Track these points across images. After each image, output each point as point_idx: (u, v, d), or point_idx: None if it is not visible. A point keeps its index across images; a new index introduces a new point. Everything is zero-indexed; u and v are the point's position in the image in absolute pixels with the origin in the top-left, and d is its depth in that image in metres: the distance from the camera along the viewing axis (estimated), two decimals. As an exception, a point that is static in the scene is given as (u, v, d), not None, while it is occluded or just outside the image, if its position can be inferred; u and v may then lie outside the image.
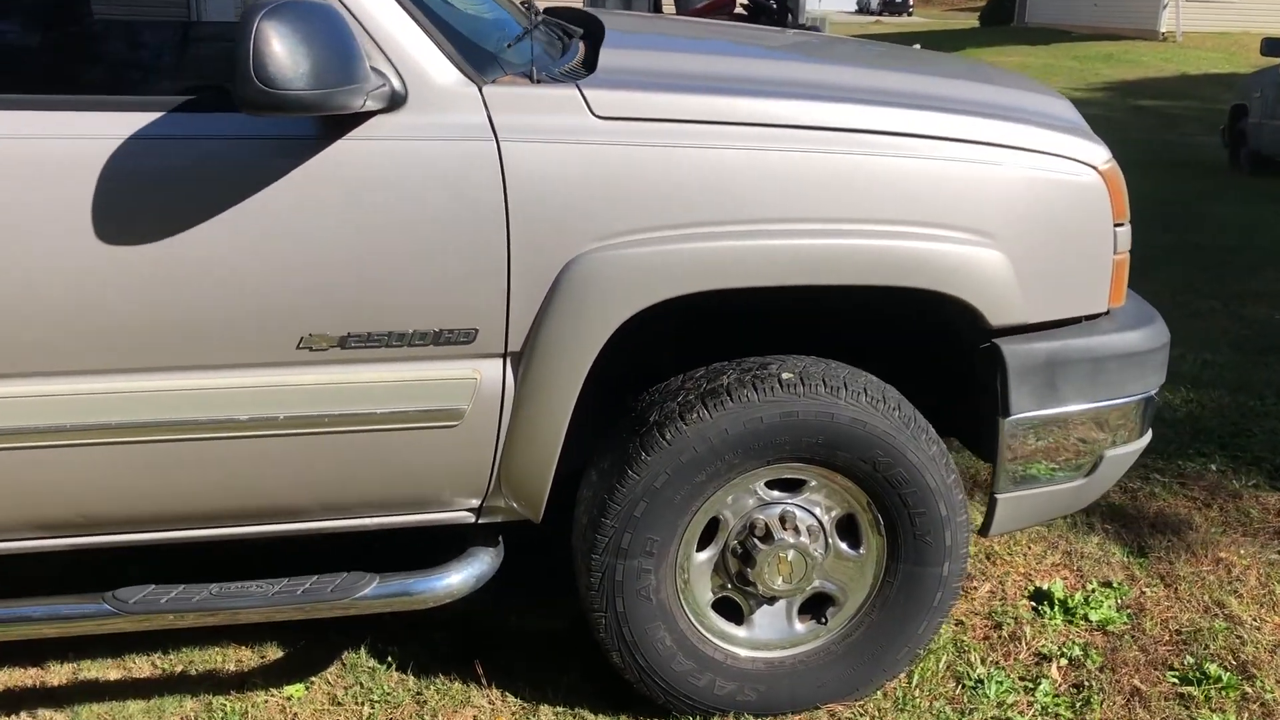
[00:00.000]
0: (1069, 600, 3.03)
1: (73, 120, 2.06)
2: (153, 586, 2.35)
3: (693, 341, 2.57)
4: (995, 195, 2.37)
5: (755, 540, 2.47)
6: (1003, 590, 3.13)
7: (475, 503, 2.41)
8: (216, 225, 2.10)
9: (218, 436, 2.21)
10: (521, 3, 3.16)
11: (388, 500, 2.36)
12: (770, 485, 2.49)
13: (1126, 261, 2.56)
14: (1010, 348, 2.43)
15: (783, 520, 2.48)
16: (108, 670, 2.78)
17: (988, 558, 3.28)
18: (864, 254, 2.31)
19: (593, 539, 2.42)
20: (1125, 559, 3.30)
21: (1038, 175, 2.40)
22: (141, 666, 2.80)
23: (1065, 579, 3.17)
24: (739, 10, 15.78)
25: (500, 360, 2.27)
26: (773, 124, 2.28)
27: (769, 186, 2.27)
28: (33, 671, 2.76)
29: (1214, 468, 3.90)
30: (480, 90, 2.18)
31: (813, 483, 2.49)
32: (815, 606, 2.60)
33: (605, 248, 2.21)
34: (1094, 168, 2.44)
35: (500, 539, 2.53)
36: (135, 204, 2.08)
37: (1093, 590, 3.11)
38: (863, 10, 64.52)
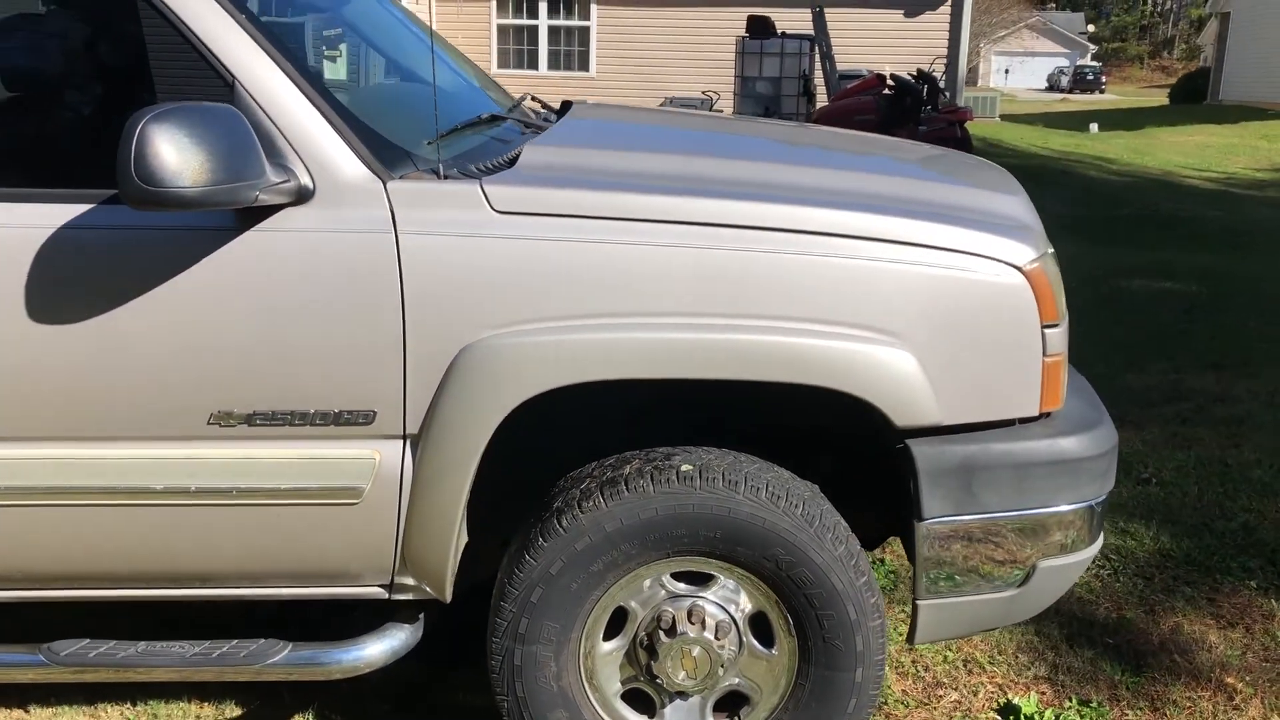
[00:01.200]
0: (1036, 718, 2.87)
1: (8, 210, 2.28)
2: (86, 641, 2.51)
3: (641, 425, 2.60)
4: (901, 293, 2.33)
5: (660, 633, 2.46)
6: (970, 701, 2.99)
7: (384, 580, 2.49)
8: (136, 308, 2.27)
9: (135, 504, 2.36)
10: (516, 104, 3.29)
11: (296, 572, 2.46)
12: (679, 577, 2.48)
13: (1061, 363, 2.46)
14: (921, 449, 2.37)
15: (690, 614, 2.46)
16: (80, 717, 2.96)
17: (965, 664, 3.15)
18: (754, 349, 2.30)
19: (493, 622, 2.46)
20: (1116, 676, 3.10)
21: (949, 274, 2.35)
22: (112, 715, 2.96)
23: (1042, 694, 3.01)
24: (886, 91, 15.74)
25: (399, 441, 2.36)
26: (669, 220, 2.32)
27: (663, 280, 2.30)
28: (15, 714, 2.96)
29: (1253, 584, 3.63)
30: (385, 186, 2.30)
31: (721, 578, 2.46)
32: (731, 705, 2.56)
33: (497, 336, 2.28)
34: (1016, 267, 2.38)
35: (420, 616, 2.60)
36: (62, 287, 2.27)
37: (1067, 709, 2.94)
38: (1053, 88, 63.06)
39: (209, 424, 2.33)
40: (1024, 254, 2.40)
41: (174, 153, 2.03)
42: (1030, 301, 2.38)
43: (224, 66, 2.27)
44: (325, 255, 2.27)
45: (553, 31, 20.25)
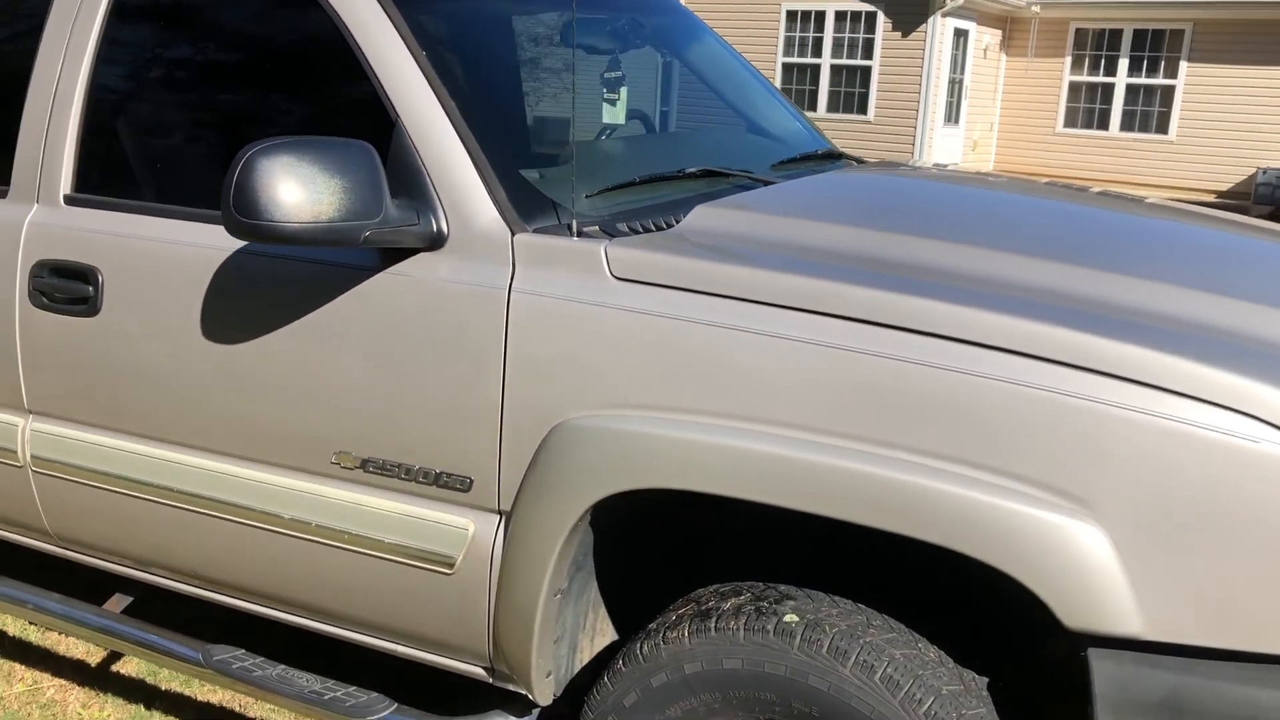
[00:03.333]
0: None
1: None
2: (240, 651, 2.58)
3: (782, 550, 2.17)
4: (1108, 447, 1.68)
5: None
6: None
7: (483, 660, 2.28)
8: (282, 335, 2.28)
9: (263, 527, 2.37)
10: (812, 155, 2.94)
11: (398, 629, 2.33)
12: (783, 752, 2.00)
13: None
14: (1105, 666, 1.70)
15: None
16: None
17: None
18: (877, 487, 1.78)
19: (570, 741, 2.15)
20: None
21: (1186, 432, 1.65)
22: None
23: None
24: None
25: (494, 515, 2.14)
26: (810, 309, 1.87)
27: (787, 382, 1.86)
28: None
29: None
30: (512, 238, 2.10)
31: (831, 764, 1.95)
32: None
33: (589, 417, 1.99)
34: (1287, 433, 1.62)
35: (535, 711, 2.35)
36: (226, 307, 2.34)
37: None
38: None
39: (332, 462, 2.28)
40: (1318, 417, 1.63)
41: (274, 186, 1.99)
42: (1309, 488, 1.60)
43: (389, 97, 2.21)
44: (442, 305, 2.12)
45: (1130, 90, 18.56)
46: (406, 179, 2.17)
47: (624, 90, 2.94)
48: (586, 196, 2.23)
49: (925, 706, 1.81)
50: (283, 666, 2.53)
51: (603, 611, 2.34)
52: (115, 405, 2.51)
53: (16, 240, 2.57)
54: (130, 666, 3.29)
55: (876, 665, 1.84)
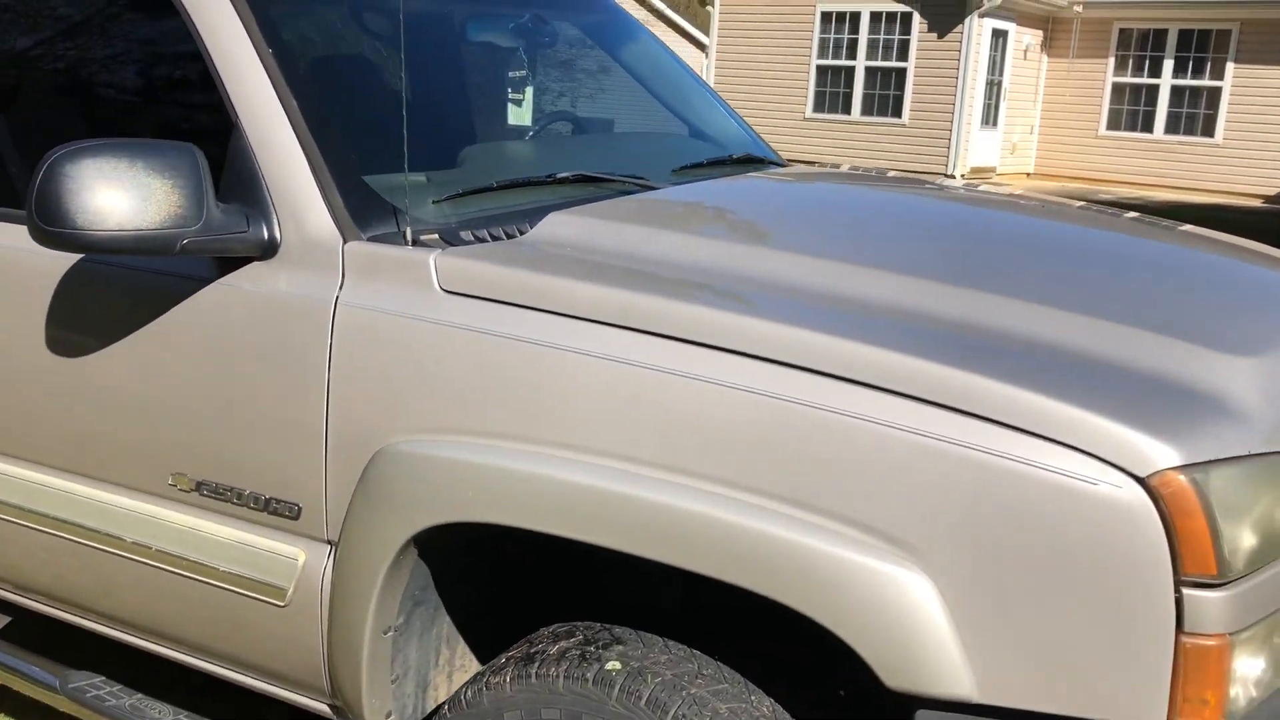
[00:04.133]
0: None
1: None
2: (99, 679, 2.46)
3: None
4: (935, 487, 1.50)
5: None
6: None
7: (325, 697, 2.13)
8: (123, 347, 2.15)
9: (106, 549, 2.24)
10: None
11: (245, 661, 2.19)
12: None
13: (1222, 651, 1.44)
14: (933, 733, 1.52)
15: None
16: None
17: None
18: (678, 522, 1.61)
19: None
20: None
21: (1016, 470, 1.46)
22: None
23: None
24: None
25: (324, 545, 1.99)
26: (625, 326, 1.71)
27: (594, 406, 1.70)
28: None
29: None
30: (343, 247, 1.96)
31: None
32: None
33: (409, 443, 1.84)
34: (1136, 477, 1.42)
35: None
36: (68, 321, 2.22)
37: None
38: None
39: (169, 484, 2.15)
40: (1159, 456, 1.43)
41: (79, 192, 1.85)
42: (1152, 535, 1.41)
43: (229, 96, 2.07)
44: (270, 319, 1.98)
45: (1175, 92, 18.07)
46: (243, 184, 2.04)
47: (529, 90, 2.79)
48: (434, 202, 2.09)
49: (740, 770, 1.64)
50: (139, 696, 2.42)
51: (462, 647, 2.18)
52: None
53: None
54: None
55: (686, 716, 1.67)
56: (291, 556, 2.02)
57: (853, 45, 18.40)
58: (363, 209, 2.01)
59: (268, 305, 1.98)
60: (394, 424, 1.86)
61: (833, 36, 18.53)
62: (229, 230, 1.97)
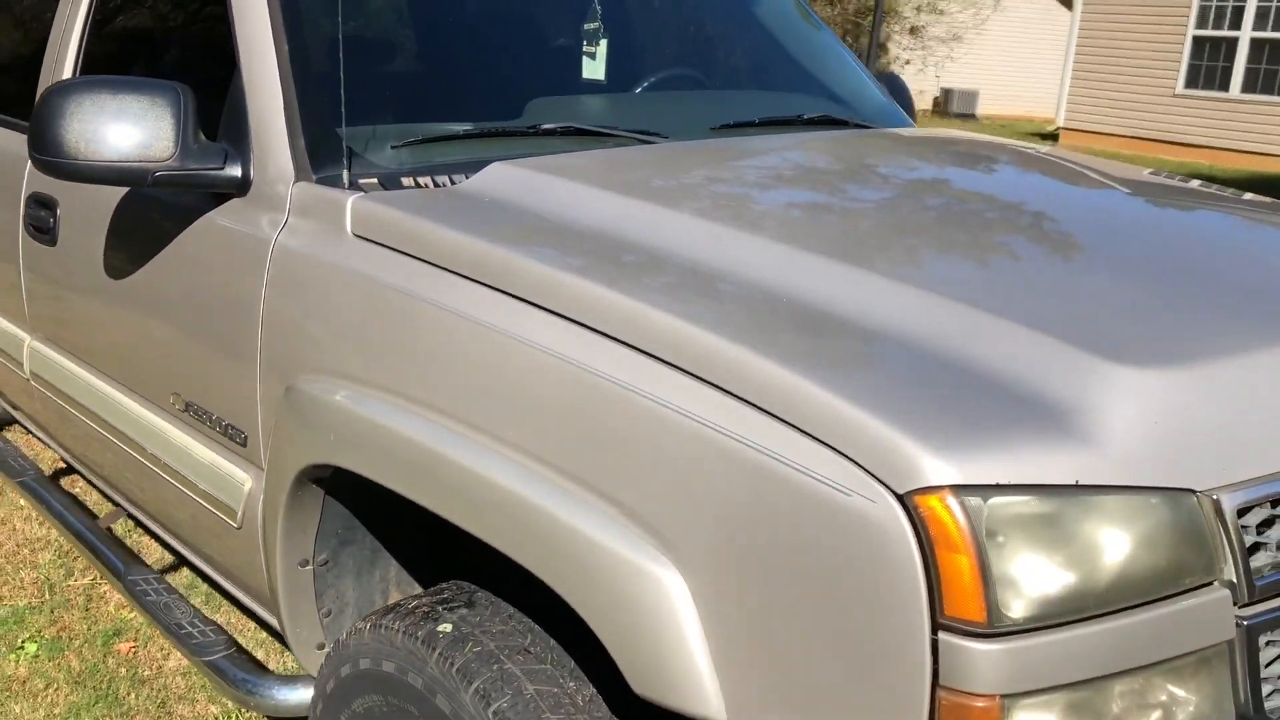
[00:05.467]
0: None
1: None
2: (154, 576, 2.70)
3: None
4: (692, 476, 1.33)
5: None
6: None
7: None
8: (143, 275, 2.34)
9: (127, 449, 2.46)
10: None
11: (227, 573, 2.33)
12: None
13: (991, 716, 1.18)
14: (674, 751, 1.36)
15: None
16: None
17: None
18: (478, 490, 1.53)
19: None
20: None
21: (782, 472, 1.27)
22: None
23: None
24: None
25: (263, 474, 2.07)
26: (480, 280, 1.64)
27: (441, 361, 1.65)
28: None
29: None
30: (291, 186, 2.01)
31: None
32: None
33: (309, 382, 1.87)
34: (894, 494, 1.19)
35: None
36: (117, 245, 2.43)
37: None
38: None
39: (170, 401, 2.31)
40: (925, 470, 1.18)
41: (65, 124, 2.02)
42: (905, 564, 1.18)
43: (237, 42, 2.18)
44: (232, 253, 2.08)
45: (1255, 46, 15.27)
46: (234, 124, 2.14)
47: (603, 43, 2.71)
48: (392, 148, 2.09)
49: (524, 743, 1.54)
50: (176, 597, 2.62)
51: (412, 590, 2.20)
52: (60, 328, 2.70)
53: (21, 173, 2.81)
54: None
55: (495, 698, 1.58)
56: (241, 481, 2.11)
57: (1238, 13, 16.46)
58: (320, 152, 2.04)
59: (231, 239, 2.07)
60: (301, 363, 1.90)
61: (1215, 3, 16.67)
62: (204, 166, 2.07)
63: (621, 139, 2.25)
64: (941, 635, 1.18)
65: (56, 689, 2.94)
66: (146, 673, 3.01)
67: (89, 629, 3.23)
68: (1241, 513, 1.30)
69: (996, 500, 1.18)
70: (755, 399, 1.30)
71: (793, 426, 1.26)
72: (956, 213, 1.93)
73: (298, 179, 2.01)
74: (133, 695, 2.91)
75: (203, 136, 2.09)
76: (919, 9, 17.33)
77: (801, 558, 1.25)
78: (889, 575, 1.18)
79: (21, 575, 3.51)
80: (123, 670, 3.02)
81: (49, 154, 2.03)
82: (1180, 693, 1.30)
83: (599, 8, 2.70)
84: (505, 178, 1.95)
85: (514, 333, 1.55)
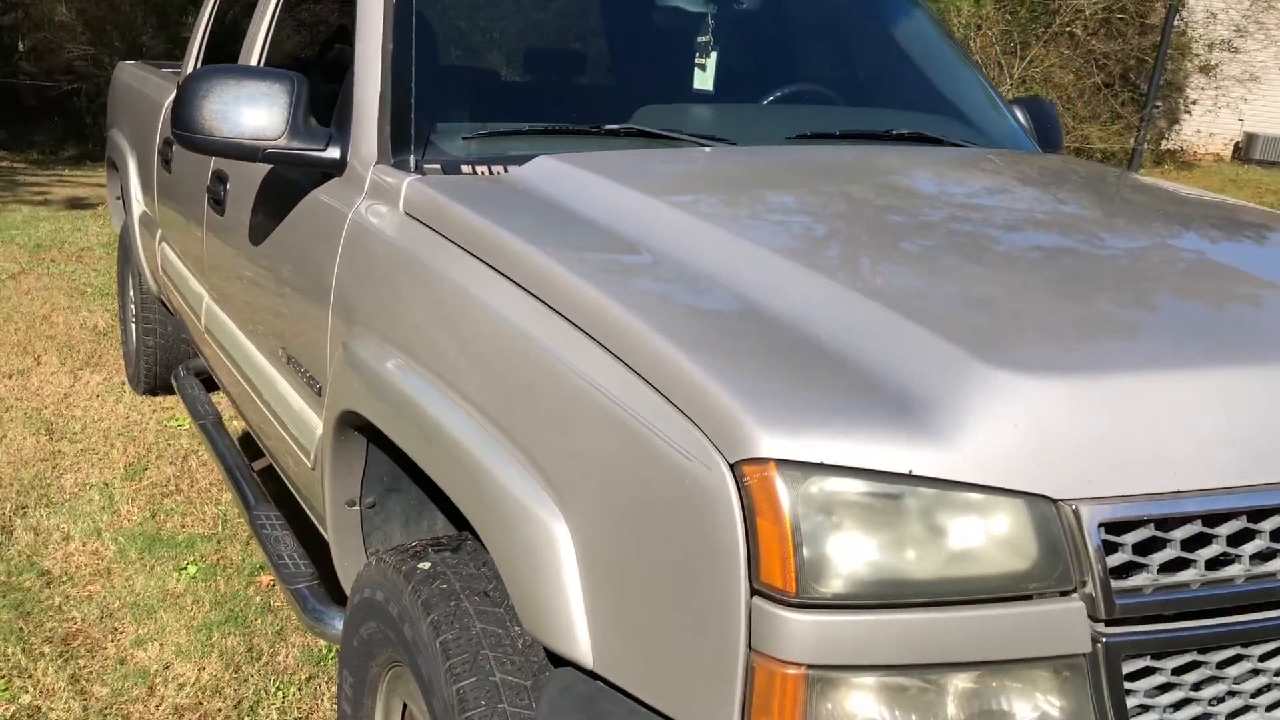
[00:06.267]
0: None
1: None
2: (277, 514, 3.01)
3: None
4: (586, 435, 1.45)
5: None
6: None
7: (350, 557, 2.47)
8: (269, 241, 2.66)
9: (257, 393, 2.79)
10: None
11: (311, 508, 2.59)
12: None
13: (797, 685, 1.24)
14: (550, 690, 1.48)
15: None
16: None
17: None
18: (440, 440, 1.69)
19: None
20: None
21: (644, 434, 1.37)
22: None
23: None
24: None
25: (332, 423, 2.33)
26: (489, 263, 1.80)
27: (445, 332, 1.83)
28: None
29: None
30: (370, 169, 2.25)
31: None
32: None
33: (356, 340, 2.10)
34: (727, 462, 1.27)
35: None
36: (261, 215, 2.77)
37: None
38: None
39: (279, 355, 2.61)
40: (756, 441, 1.25)
41: (197, 105, 2.35)
42: (729, 529, 1.25)
43: (357, 38, 2.45)
44: (322, 225, 2.35)
45: None
46: (344, 112, 2.41)
47: (714, 55, 2.83)
48: (463, 139, 2.29)
49: (463, 683, 1.69)
50: (289, 534, 2.92)
51: None
52: (223, 287, 3.08)
53: (210, 153, 3.23)
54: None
55: (444, 630, 1.74)
56: (315, 426, 2.37)
57: None
58: (400, 139, 2.28)
59: (323, 213, 2.34)
60: (355, 321, 2.13)
61: None
62: (308, 146, 2.35)
63: (683, 142, 2.37)
64: (756, 600, 1.24)
65: (200, 605, 3.34)
66: (276, 604, 3.37)
67: (242, 560, 3.63)
68: (1114, 529, 1.29)
69: (820, 478, 1.23)
70: (636, 365, 1.40)
71: (660, 393, 1.36)
72: (920, 219, 1.95)
73: (378, 161, 2.25)
74: (259, 621, 3.26)
75: (314, 122, 2.37)
76: (1211, 46, 16.20)
77: (656, 517, 1.34)
78: (718, 539, 1.26)
79: (205, 509, 3.99)
80: (257, 599, 3.39)
81: (184, 129, 2.36)
82: (1031, 701, 1.29)
83: (711, 21, 2.83)
84: (544, 169, 2.11)
85: (482, 298, 1.71)
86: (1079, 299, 1.57)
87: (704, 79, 2.86)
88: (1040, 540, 1.26)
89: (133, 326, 5.00)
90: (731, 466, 1.26)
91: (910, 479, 1.24)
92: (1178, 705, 1.36)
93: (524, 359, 1.58)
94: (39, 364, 5.51)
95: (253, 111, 2.32)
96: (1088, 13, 15.73)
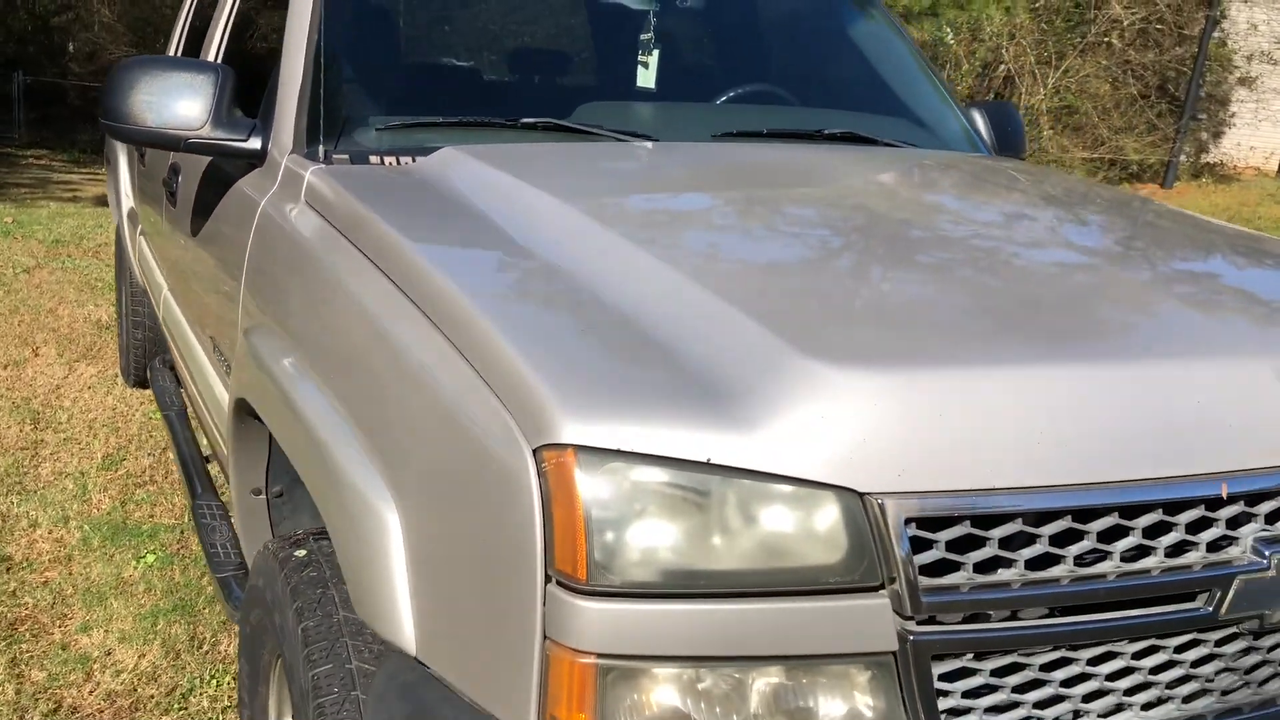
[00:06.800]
0: None
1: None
2: (216, 505, 3.04)
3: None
4: (414, 422, 1.45)
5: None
6: None
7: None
8: (202, 234, 2.68)
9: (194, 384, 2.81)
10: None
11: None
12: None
13: (586, 674, 1.22)
14: (379, 676, 1.47)
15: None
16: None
17: None
18: (305, 435, 1.69)
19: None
20: None
21: (461, 418, 1.36)
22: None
23: None
24: None
25: (244, 407, 2.34)
26: (362, 250, 1.80)
27: (321, 322, 1.84)
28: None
29: None
30: (283, 159, 2.27)
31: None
32: None
33: (254, 326, 2.11)
34: (529, 446, 1.25)
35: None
36: (194, 201, 2.79)
37: None
38: None
39: (209, 343, 2.63)
40: (555, 426, 1.24)
41: (121, 94, 2.36)
42: (527, 514, 1.24)
43: (286, 29, 2.47)
44: (237, 216, 2.37)
45: None
46: (268, 103, 2.43)
47: (656, 53, 2.81)
48: (376, 130, 2.30)
49: (319, 669, 1.68)
50: (226, 525, 2.94)
51: None
52: (172, 276, 3.11)
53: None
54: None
55: (306, 617, 1.74)
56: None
57: None
58: (316, 130, 2.28)
59: (241, 203, 2.36)
60: (255, 311, 2.14)
61: None
62: (230, 137, 2.36)
63: (602, 137, 2.35)
64: (550, 588, 1.23)
65: (151, 593, 3.36)
66: (227, 594, 3.38)
67: (201, 551, 3.65)
68: (926, 525, 1.26)
69: (618, 465, 1.21)
70: (464, 350, 1.40)
71: (482, 378, 1.35)
72: (802, 216, 1.93)
73: (292, 151, 2.26)
74: (206, 610, 3.28)
75: (239, 113, 2.39)
76: (1250, 58, 15.92)
77: (471, 503, 1.33)
78: (517, 526, 1.25)
79: (175, 500, 4.02)
80: (210, 589, 3.41)
81: (111, 118, 2.38)
82: (840, 699, 1.27)
83: (653, 19, 2.82)
84: (445, 160, 2.11)
85: (350, 287, 1.71)
86: (919, 294, 1.54)
87: (646, 76, 2.85)
88: (845, 534, 1.24)
89: (125, 320, 5.07)
90: (534, 452, 1.24)
91: (710, 468, 1.22)
92: (1001, 708, 1.32)
93: (375, 347, 1.58)
94: (36, 355, 5.60)
95: (177, 102, 2.34)
96: (1125, 23, 15.54)
